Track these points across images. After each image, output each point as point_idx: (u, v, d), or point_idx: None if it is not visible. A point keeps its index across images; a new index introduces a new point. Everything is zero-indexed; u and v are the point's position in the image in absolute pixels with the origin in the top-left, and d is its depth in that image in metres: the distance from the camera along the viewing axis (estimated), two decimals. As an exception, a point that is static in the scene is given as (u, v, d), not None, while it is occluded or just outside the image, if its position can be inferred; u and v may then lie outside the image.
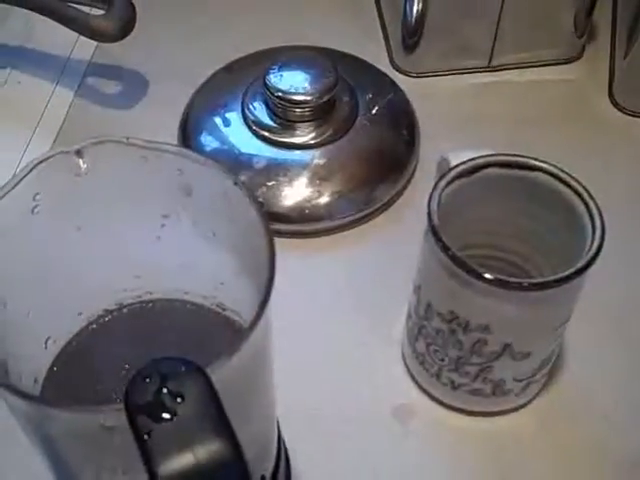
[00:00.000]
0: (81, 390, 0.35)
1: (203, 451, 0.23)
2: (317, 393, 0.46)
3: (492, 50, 0.62)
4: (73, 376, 0.35)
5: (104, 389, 0.34)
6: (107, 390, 0.33)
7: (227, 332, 0.36)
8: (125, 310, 0.37)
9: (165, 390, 0.24)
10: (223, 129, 0.55)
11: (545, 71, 0.63)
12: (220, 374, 0.25)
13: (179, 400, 0.24)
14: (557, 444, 0.44)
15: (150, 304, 0.37)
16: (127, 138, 0.30)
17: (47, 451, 0.31)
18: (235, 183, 0.29)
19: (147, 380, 0.24)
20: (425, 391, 0.45)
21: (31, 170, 0.30)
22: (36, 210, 0.31)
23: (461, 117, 0.59)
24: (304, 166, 0.53)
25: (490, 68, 0.63)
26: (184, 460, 0.23)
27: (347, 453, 0.44)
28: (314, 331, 0.48)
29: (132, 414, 0.24)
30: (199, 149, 0.55)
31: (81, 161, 0.31)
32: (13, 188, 0.30)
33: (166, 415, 0.23)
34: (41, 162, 0.30)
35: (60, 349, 0.36)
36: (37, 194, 0.30)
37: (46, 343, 0.35)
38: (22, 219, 0.31)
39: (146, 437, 0.23)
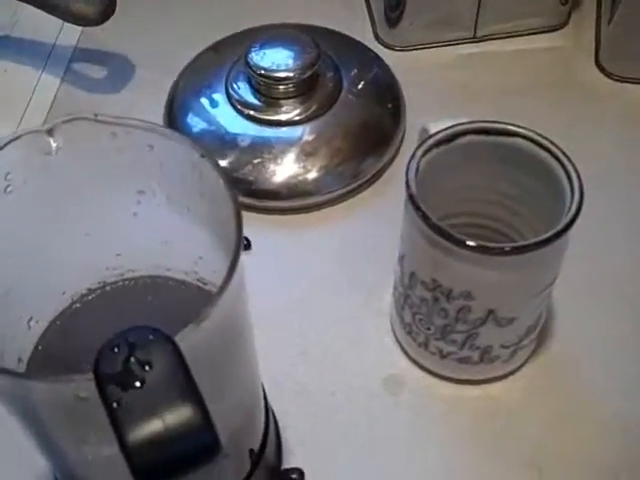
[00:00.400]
0: (66, 369, 0.35)
1: (171, 417, 0.23)
2: (307, 367, 0.46)
3: (476, 21, 0.61)
4: (58, 355, 0.36)
5: (90, 368, 0.34)
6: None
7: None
8: (108, 288, 0.37)
9: (133, 359, 0.24)
10: (209, 109, 0.55)
11: (531, 40, 0.62)
12: (189, 341, 0.25)
13: (147, 368, 0.24)
14: (546, 410, 0.44)
15: (132, 282, 0.38)
16: (96, 115, 0.31)
17: (31, 427, 0.31)
18: (202, 155, 0.29)
19: (116, 350, 0.24)
20: (414, 361, 0.46)
21: (1, 148, 0.30)
22: (9, 189, 0.31)
23: (447, 89, 0.59)
24: (290, 143, 0.53)
25: (475, 39, 0.62)
26: (153, 426, 0.23)
27: (339, 425, 0.44)
28: (303, 304, 0.48)
29: (101, 383, 0.24)
30: (185, 130, 0.55)
31: (51, 140, 0.31)
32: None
33: (135, 383, 0.24)
34: (11, 141, 0.30)
35: (44, 328, 0.36)
36: (8, 174, 0.30)
37: (29, 323, 0.35)
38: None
39: (115, 405, 0.23)
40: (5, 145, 0.30)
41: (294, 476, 0.41)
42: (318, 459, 0.43)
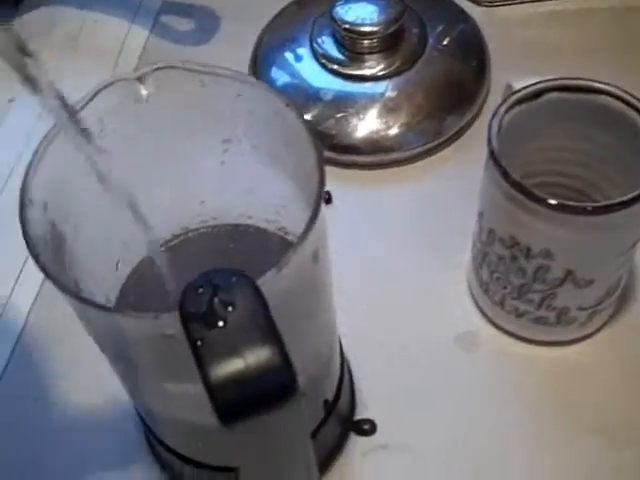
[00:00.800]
0: (151, 308, 0.36)
1: (252, 357, 0.24)
2: (383, 321, 0.46)
3: (564, -22, 0.60)
4: (143, 295, 0.37)
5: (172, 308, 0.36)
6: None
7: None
8: (191, 235, 0.39)
9: (217, 299, 0.25)
10: (293, 63, 0.56)
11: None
12: (270, 286, 0.26)
13: (230, 309, 0.25)
14: (620, 376, 0.44)
15: (215, 229, 0.39)
16: (184, 63, 0.31)
17: (118, 362, 0.32)
18: (287, 104, 0.30)
19: (200, 290, 0.25)
20: (490, 319, 0.46)
21: (94, 96, 0.31)
22: (102, 134, 0.32)
23: (534, 46, 0.58)
24: (373, 98, 0.53)
25: (562, -4, 0.61)
26: (234, 365, 0.24)
27: (411, 379, 0.44)
28: (381, 260, 0.49)
29: (186, 321, 0.25)
30: (270, 83, 0.55)
31: (142, 87, 0.32)
32: (78, 113, 0.31)
33: (219, 323, 0.25)
34: (103, 88, 0.31)
35: (130, 270, 0.37)
36: (101, 119, 0.31)
37: (117, 265, 0.37)
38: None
39: (199, 343, 0.24)
40: (99, 91, 0.31)
41: (366, 427, 0.42)
42: (390, 411, 0.43)
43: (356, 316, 0.46)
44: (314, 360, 0.35)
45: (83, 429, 0.44)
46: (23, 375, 0.46)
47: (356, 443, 0.42)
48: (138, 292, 0.37)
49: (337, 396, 0.40)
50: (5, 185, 0.54)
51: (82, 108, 0.31)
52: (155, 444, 0.40)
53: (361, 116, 0.52)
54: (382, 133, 0.52)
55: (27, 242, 0.28)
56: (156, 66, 0.32)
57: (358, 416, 0.43)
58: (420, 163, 0.53)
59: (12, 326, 0.48)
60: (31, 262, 0.28)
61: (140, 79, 0.32)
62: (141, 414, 0.39)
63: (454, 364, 0.45)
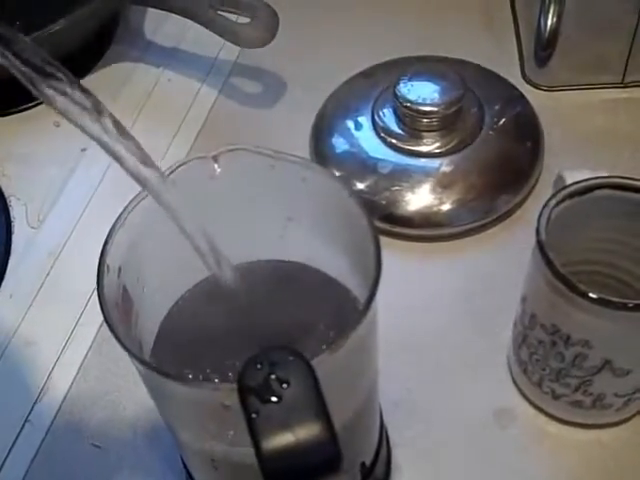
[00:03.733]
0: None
1: (303, 432, 0.26)
2: (422, 391, 0.48)
3: (626, 66, 0.62)
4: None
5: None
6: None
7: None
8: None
9: (273, 376, 0.27)
10: (353, 133, 0.58)
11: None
12: (323, 366, 0.28)
13: (285, 386, 0.27)
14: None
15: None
16: (257, 147, 0.34)
17: (162, 408, 0.35)
18: (350, 195, 0.32)
19: (258, 366, 0.28)
20: (527, 398, 0.47)
21: (173, 171, 0.34)
22: (175, 207, 0.34)
23: (589, 134, 0.60)
24: (428, 174, 0.55)
25: (623, 84, 0.63)
26: (285, 438, 0.26)
27: (447, 451, 0.46)
28: (425, 329, 0.51)
29: (244, 394, 0.27)
30: (330, 150, 0.58)
31: (216, 165, 0.34)
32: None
33: (273, 398, 0.27)
34: (181, 165, 0.34)
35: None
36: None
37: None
38: (163, 215, 0.34)
39: (254, 415, 0.27)
40: (177, 167, 0.34)
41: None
42: (425, 478, 0.45)
43: (396, 385, 0.47)
44: (357, 426, 0.37)
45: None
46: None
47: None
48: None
49: (374, 460, 0.42)
50: (70, 235, 0.57)
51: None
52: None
53: (415, 190, 0.54)
54: (434, 208, 0.54)
55: (102, 306, 0.31)
56: (231, 147, 0.34)
57: (393, 481, 0.45)
58: (469, 239, 0.55)
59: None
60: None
61: (215, 158, 0.34)
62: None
63: (490, 439, 0.46)
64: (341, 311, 0.36)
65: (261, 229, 0.37)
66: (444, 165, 0.55)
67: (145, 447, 0.47)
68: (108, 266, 0.32)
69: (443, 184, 0.55)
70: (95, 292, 0.51)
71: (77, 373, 0.50)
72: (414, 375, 0.49)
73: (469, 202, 0.55)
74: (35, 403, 0.49)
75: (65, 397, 0.49)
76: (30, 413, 0.48)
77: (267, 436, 0.26)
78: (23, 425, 0.48)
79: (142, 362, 0.30)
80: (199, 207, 0.35)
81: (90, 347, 0.51)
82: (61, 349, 0.51)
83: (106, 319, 0.30)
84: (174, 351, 0.36)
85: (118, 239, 0.32)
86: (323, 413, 0.26)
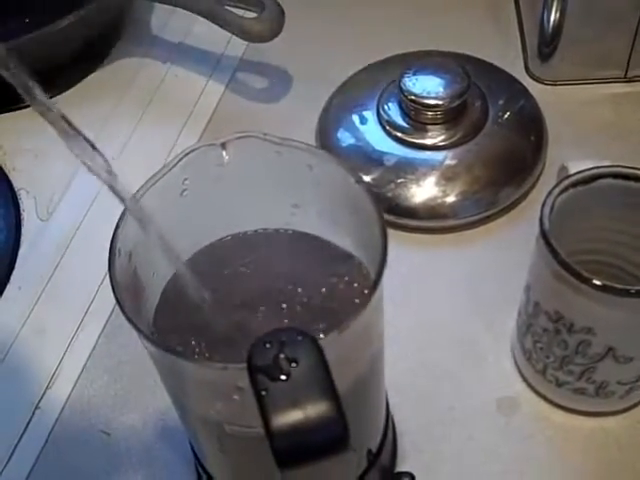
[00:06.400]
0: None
1: (311, 409, 0.26)
2: (427, 380, 0.49)
3: (629, 61, 0.62)
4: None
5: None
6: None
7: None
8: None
9: (282, 355, 0.28)
10: (359, 126, 0.59)
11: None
12: (331, 346, 0.28)
13: (294, 365, 0.28)
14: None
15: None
16: (265, 134, 0.34)
17: (172, 390, 0.35)
18: (357, 181, 0.33)
19: (267, 345, 0.28)
20: (530, 386, 0.48)
21: (182, 158, 0.34)
22: (184, 193, 0.35)
23: (592, 127, 0.61)
24: (433, 166, 0.56)
25: (626, 79, 0.63)
26: (295, 415, 0.26)
27: (451, 438, 0.47)
28: (430, 320, 0.51)
29: (253, 373, 0.28)
30: (335, 144, 0.59)
31: (224, 152, 0.35)
32: (167, 173, 0.34)
33: (282, 376, 0.27)
34: (191, 152, 0.34)
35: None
36: (186, 179, 0.35)
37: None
38: (173, 200, 0.35)
39: (263, 393, 0.27)
40: (186, 154, 0.34)
41: (405, 479, 0.44)
42: (429, 467, 0.46)
43: (402, 373, 0.48)
44: (363, 411, 0.38)
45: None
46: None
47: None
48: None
49: (380, 447, 0.42)
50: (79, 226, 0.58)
51: (172, 167, 0.34)
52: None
53: (420, 183, 0.55)
54: (439, 200, 0.55)
55: (113, 288, 0.31)
56: (239, 135, 0.35)
57: (398, 468, 0.45)
58: (474, 231, 0.56)
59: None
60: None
61: (223, 145, 0.35)
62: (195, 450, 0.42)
63: (494, 427, 0.47)
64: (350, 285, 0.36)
65: (268, 216, 0.38)
66: (449, 158, 0.56)
67: (154, 435, 0.47)
68: (119, 250, 0.32)
69: (448, 176, 0.55)
70: (104, 282, 0.53)
71: (86, 361, 0.51)
72: (419, 364, 0.49)
73: (473, 194, 0.55)
74: (45, 390, 0.49)
75: (75, 385, 0.50)
76: (40, 400, 0.49)
77: (276, 413, 0.26)
78: (33, 412, 0.48)
79: (154, 342, 0.30)
80: (207, 194, 0.36)
81: (99, 335, 0.52)
82: (70, 338, 0.52)
83: (118, 301, 0.30)
84: (175, 327, 0.36)
85: (129, 224, 0.33)
86: (331, 391, 0.27)
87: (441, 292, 0.53)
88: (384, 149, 0.57)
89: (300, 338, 0.28)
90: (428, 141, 0.56)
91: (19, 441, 0.47)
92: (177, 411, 0.37)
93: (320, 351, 0.28)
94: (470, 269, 0.54)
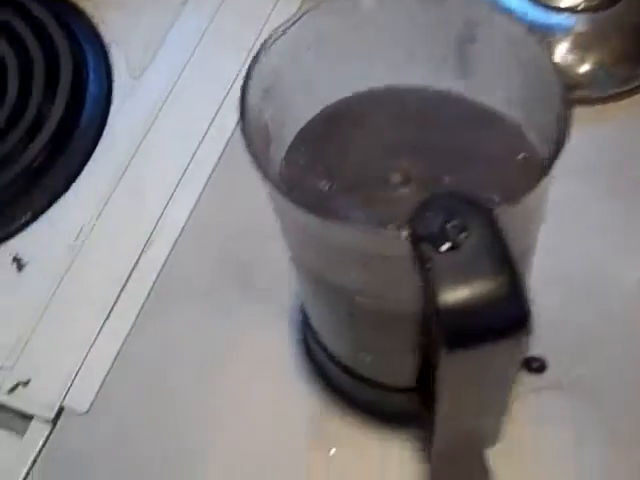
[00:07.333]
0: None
1: (487, 284, 0.23)
2: (563, 264, 0.45)
3: None
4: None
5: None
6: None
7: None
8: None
9: (450, 224, 0.24)
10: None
11: None
12: (502, 219, 0.24)
13: (463, 235, 0.24)
14: None
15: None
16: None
17: (303, 258, 0.32)
18: (527, 31, 0.28)
19: (429, 214, 0.24)
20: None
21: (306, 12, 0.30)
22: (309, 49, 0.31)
23: None
24: (567, 31, 0.50)
25: None
26: (467, 291, 0.23)
27: (585, 321, 0.43)
28: (569, 200, 0.46)
29: (416, 242, 0.24)
30: None
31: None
32: (291, 26, 0.30)
33: (450, 246, 0.24)
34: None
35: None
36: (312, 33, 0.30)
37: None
38: (298, 56, 0.31)
39: (429, 265, 0.23)
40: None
41: (535, 365, 0.40)
42: (561, 351, 0.42)
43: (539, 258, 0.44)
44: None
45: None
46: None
47: (527, 380, 0.41)
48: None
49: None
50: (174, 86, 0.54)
51: (296, 21, 0.30)
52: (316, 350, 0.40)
53: (553, 48, 0.50)
54: (572, 68, 0.50)
55: (244, 133, 0.27)
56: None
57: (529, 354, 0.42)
58: (606, 106, 0.50)
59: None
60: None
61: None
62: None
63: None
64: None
65: (410, 74, 0.33)
66: (584, 23, 0.50)
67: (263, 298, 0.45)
68: (252, 86, 0.28)
69: (582, 44, 0.50)
70: (206, 134, 0.50)
71: (189, 215, 0.48)
72: (559, 247, 0.45)
73: (610, 67, 0.50)
74: (141, 253, 0.47)
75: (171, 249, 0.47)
76: (136, 264, 0.47)
77: (447, 288, 0.23)
78: (129, 276, 0.47)
79: (293, 201, 0.26)
80: (341, 45, 0.32)
81: (201, 192, 0.49)
82: (168, 197, 0.49)
83: (246, 138, 0.27)
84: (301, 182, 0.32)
85: (264, 64, 0.29)
86: (510, 264, 0.23)
87: (572, 167, 0.48)
88: (514, 6, 0.51)
89: (471, 206, 0.24)
90: (563, 3, 0.51)
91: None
92: (298, 274, 0.34)
93: (495, 221, 0.24)
94: (598, 148, 0.49)
